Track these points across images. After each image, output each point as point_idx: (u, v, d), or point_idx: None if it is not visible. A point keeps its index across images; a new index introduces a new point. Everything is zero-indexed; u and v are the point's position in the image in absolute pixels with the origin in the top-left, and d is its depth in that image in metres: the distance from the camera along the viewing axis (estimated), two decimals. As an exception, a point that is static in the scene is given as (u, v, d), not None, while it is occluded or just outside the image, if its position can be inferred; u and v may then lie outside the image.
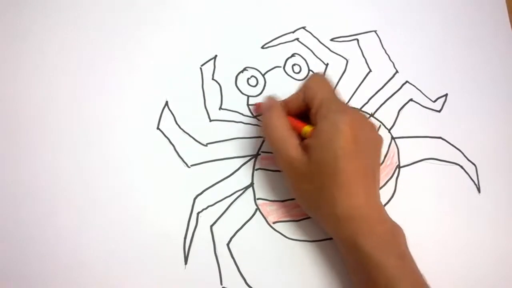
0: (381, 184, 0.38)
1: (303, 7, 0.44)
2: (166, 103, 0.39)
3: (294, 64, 0.41)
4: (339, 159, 0.30)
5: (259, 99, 0.40)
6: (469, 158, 0.40)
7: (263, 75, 0.41)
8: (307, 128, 0.33)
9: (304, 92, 0.34)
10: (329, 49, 0.43)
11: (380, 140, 0.34)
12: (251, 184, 0.37)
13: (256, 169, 0.38)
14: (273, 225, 0.36)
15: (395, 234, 0.31)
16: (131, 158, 0.37)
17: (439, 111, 0.42)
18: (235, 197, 0.37)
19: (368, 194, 0.31)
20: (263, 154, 0.38)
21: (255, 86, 0.40)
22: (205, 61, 0.41)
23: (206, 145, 0.38)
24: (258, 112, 0.39)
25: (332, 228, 0.32)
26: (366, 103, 0.41)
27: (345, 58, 0.42)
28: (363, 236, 0.30)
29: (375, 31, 0.44)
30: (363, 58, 0.43)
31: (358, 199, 0.31)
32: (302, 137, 0.33)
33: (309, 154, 0.31)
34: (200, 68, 0.40)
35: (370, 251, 0.30)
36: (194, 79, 0.40)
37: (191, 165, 0.37)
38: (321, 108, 0.32)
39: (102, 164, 0.37)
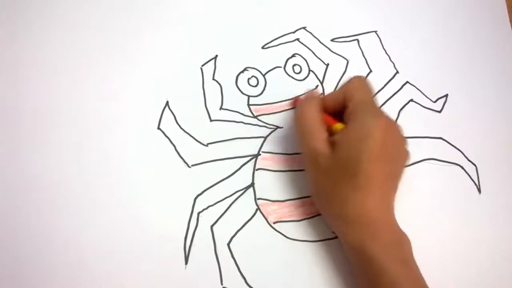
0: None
1: (304, 7, 0.44)
2: (167, 103, 0.39)
3: (294, 64, 0.41)
4: (363, 160, 0.30)
5: (259, 100, 0.40)
6: (470, 159, 0.40)
7: (263, 75, 0.41)
8: (338, 126, 0.33)
9: (344, 91, 0.34)
10: (329, 49, 0.43)
11: (407, 155, 0.34)
12: (252, 184, 0.37)
13: (257, 169, 0.38)
14: (273, 225, 0.36)
15: (402, 242, 0.32)
16: (132, 158, 0.37)
17: (439, 112, 0.42)
18: (236, 197, 0.37)
19: (382, 200, 0.31)
20: (264, 154, 0.38)
21: (255, 86, 0.40)
22: (206, 61, 0.41)
23: (206, 145, 0.38)
24: (295, 105, 0.39)
25: (340, 228, 0.33)
26: (367, 103, 0.41)
27: (345, 59, 0.42)
28: (370, 239, 0.30)
29: (375, 32, 0.44)
30: (364, 59, 0.43)
31: (371, 203, 0.31)
32: (331, 134, 0.33)
33: (334, 150, 0.31)
34: (201, 68, 0.40)
35: (375, 255, 0.30)
36: (194, 79, 0.40)
37: (192, 165, 0.37)
38: (356, 109, 0.32)
39: (102, 164, 0.37)
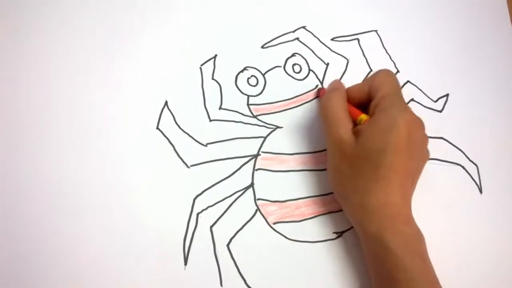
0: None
1: (303, 7, 0.44)
2: (166, 103, 0.39)
3: (294, 64, 0.41)
4: (387, 152, 0.30)
5: (259, 99, 0.40)
6: (471, 159, 0.40)
7: (263, 75, 0.41)
8: (363, 116, 0.34)
9: (370, 84, 0.35)
10: (329, 48, 0.42)
11: (427, 155, 0.35)
12: (251, 185, 0.37)
13: (257, 169, 0.38)
14: (273, 226, 0.36)
15: (420, 237, 0.32)
16: (131, 158, 0.37)
17: (440, 111, 0.42)
18: (235, 198, 0.37)
19: (403, 195, 0.31)
20: (264, 154, 0.38)
21: (255, 85, 0.40)
22: (205, 60, 0.41)
23: (206, 145, 0.38)
24: (318, 95, 0.40)
25: (359, 218, 0.32)
26: (367, 103, 0.41)
27: (345, 58, 0.42)
28: (391, 233, 0.30)
29: (375, 31, 0.44)
30: (364, 58, 0.42)
31: (393, 196, 0.31)
32: (355, 125, 0.34)
33: (359, 140, 0.32)
34: (200, 68, 0.40)
35: (396, 249, 0.30)
36: (194, 79, 0.40)
37: (191, 165, 0.37)
38: (382, 101, 0.33)
39: (101, 164, 0.37)
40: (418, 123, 0.33)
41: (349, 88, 0.36)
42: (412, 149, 0.31)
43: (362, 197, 0.31)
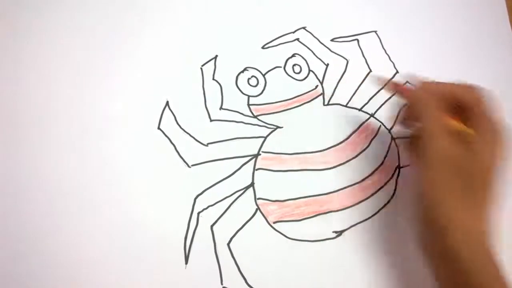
0: (381, 184, 0.38)
1: (303, 7, 0.44)
2: (167, 103, 0.39)
3: (294, 64, 0.41)
4: (494, 169, 0.30)
5: (259, 99, 0.40)
6: (469, 158, 0.40)
7: (263, 75, 0.41)
8: (458, 124, 0.32)
9: (467, 91, 0.33)
10: (329, 49, 0.43)
11: None
12: (252, 184, 0.37)
13: (257, 169, 0.38)
14: (273, 225, 0.36)
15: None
16: (132, 158, 0.37)
17: (439, 112, 0.42)
18: (236, 197, 0.37)
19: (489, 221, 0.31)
20: (264, 154, 0.38)
21: (255, 86, 0.40)
22: (206, 61, 0.41)
23: (206, 145, 0.38)
24: (396, 90, 0.37)
25: (451, 235, 0.29)
26: (367, 103, 0.41)
27: (345, 58, 0.42)
28: (487, 259, 0.29)
29: (375, 32, 0.44)
30: (364, 58, 0.43)
31: (487, 220, 0.30)
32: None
33: (469, 148, 0.30)
34: (201, 68, 0.40)
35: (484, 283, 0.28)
36: (194, 79, 0.40)
37: (192, 165, 0.37)
38: (485, 111, 0.32)
39: (102, 164, 0.37)
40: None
41: (446, 88, 0.33)
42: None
43: (465, 210, 0.29)
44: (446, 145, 0.30)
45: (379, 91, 0.41)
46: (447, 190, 0.30)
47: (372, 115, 0.41)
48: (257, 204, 0.37)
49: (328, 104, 0.41)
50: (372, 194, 0.38)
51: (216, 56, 0.41)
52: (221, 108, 0.39)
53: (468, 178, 0.30)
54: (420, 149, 0.31)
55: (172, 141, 0.38)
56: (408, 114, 0.35)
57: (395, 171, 0.39)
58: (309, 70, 0.42)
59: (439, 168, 0.30)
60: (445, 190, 0.30)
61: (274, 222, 0.37)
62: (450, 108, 0.32)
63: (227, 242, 0.36)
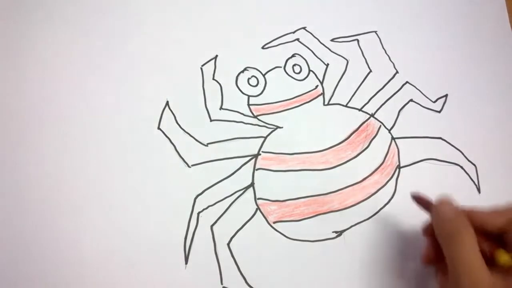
0: (381, 184, 0.38)
1: (303, 7, 0.44)
2: (167, 103, 0.39)
3: (294, 64, 0.41)
4: None
5: (259, 99, 0.40)
6: (469, 159, 0.40)
7: (263, 75, 0.41)
8: (504, 256, 0.28)
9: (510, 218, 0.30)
10: (329, 49, 0.43)
11: None
12: (252, 184, 0.37)
13: (257, 169, 0.38)
14: (273, 225, 0.36)
15: None
16: (132, 158, 0.37)
17: (439, 112, 0.42)
18: (236, 197, 0.37)
19: None
20: (264, 154, 0.38)
21: (255, 86, 0.40)
22: (206, 61, 0.41)
23: (206, 145, 0.38)
24: (422, 205, 0.33)
25: None
26: (367, 103, 0.41)
27: (345, 59, 0.42)
28: None
29: (375, 32, 0.44)
30: (364, 59, 0.43)
31: None
32: (485, 258, 0.28)
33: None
34: (201, 68, 0.40)
35: None
36: (194, 79, 0.40)
37: (192, 165, 0.37)
38: None
39: (102, 164, 0.37)
40: None
41: (476, 215, 0.30)
42: None
43: None
44: (486, 280, 0.27)
45: (377, 92, 0.41)
46: None
47: (372, 115, 0.41)
48: (257, 204, 0.37)
49: (328, 104, 0.41)
50: (372, 194, 0.38)
51: (216, 56, 0.41)
52: (221, 108, 0.39)
53: None
54: (451, 279, 0.28)
55: (172, 141, 0.38)
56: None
57: (395, 171, 0.39)
58: (309, 70, 0.42)
59: None
60: None
61: (274, 222, 0.37)
62: (484, 230, 0.30)
63: (227, 242, 0.36)
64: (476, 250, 0.27)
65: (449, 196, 0.31)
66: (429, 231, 0.32)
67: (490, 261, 0.28)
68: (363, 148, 0.39)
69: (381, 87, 0.42)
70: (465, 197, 0.39)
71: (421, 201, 0.33)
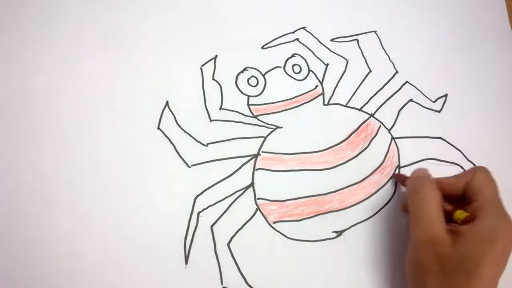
0: (381, 184, 0.38)
1: (303, 7, 0.44)
2: (167, 103, 0.39)
3: (294, 64, 0.42)
4: (485, 265, 0.29)
5: (259, 99, 0.40)
6: (469, 159, 0.40)
7: (263, 75, 0.41)
8: (460, 214, 0.32)
9: (468, 183, 0.34)
10: (329, 49, 0.43)
11: None
12: (252, 184, 0.37)
13: (257, 169, 0.38)
14: (273, 225, 0.37)
15: None
16: (132, 158, 0.37)
17: (439, 111, 0.42)
18: (236, 197, 0.37)
19: None
20: (264, 154, 0.38)
21: (255, 86, 0.40)
22: (206, 61, 0.41)
23: (206, 145, 0.38)
24: (400, 181, 0.38)
25: None
26: (366, 103, 0.41)
27: (345, 59, 0.42)
28: None
29: (375, 32, 0.44)
30: (363, 59, 0.43)
31: None
32: (448, 219, 0.32)
33: (457, 242, 0.30)
34: (201, 68, 0.40)
35: None
36: (194, 79, 0.40)
37: (192, 165, 0.37)
38: (485, 206, 0.32)
39: (102, 164, 0.37)
40: None
41: (440, 181, 0.34)
42: (506, 259, 0.30)
43: None
44: (434, 232, 0.31)
45: (377, 92, 0.41)
46: (422, 271, 0.31)
47: (372, 115, 0.41)
48: (257, 204, 0.37)
49: (328, 104, 0.41)
50: (372, 194, 0.38)
51: (216, 56, 0.41)
52: (221, 108, 0.39)
53: (449, 265, 0.30)
54: (411, 227, 0.32)
55: (172, 141, 0.38)
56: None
57: (395, 171, 0.39)
58: (309, 70, 0.42)
59: (419, 251, 0.31)
60: (419, 271, 0.31)
61: (274, 222, 0.37)
62: (447, 195, 0.34)
63: (227, 242, 0.36)
64: (435, 204, 0.32)
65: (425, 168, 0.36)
66: (405, 206, 0.36)
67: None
68: (363, 148, 0.39)
69: (381, 87, 0.42)
70: (465, 197, 0.39)
71: (400, 177, 0.38)
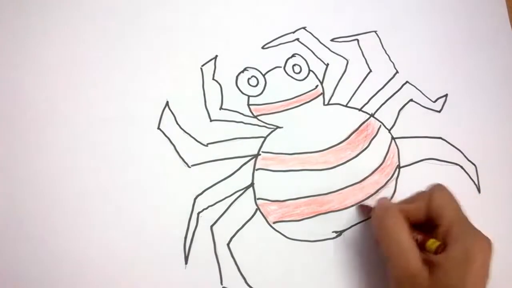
0: (381, 184, 0.38)
1: (303, 7, 0.44)
2: (167, 103, 0.39)
3: (294, 64, 0.41)
4: (468, 287, 0.29)
5: (259, 99, 0.40)
6: (469, 158, 0.40)
7: (263, 75, 0.41)
8: (432, 242, 0.31)
9: (428, 205, 0.33)
10: (329, 49, 0.43)
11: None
12: (252, 184, 0.37)
13: (257, 169, 0.38)
14: (273, 225, 0.37)
15: None
16: (132, 158, 0.37)
17: (439, 111, 0.42)
18: (236, 197, 0.37)
19: None
20: (264, 154, 0.38)
21: (255, 86, 0.40)
22: (206, 61, 0.41)
23: (206, 145, 0.38)
24: (365, 212, 0.37)
25: None
26: (367, 103, 0.41)
27: (345, 58, 0.42)
28: None
29: (375, 31, 0.44)
30: (364, 58, 0.43)
31: None
32: (421, 249, 0.31)
33: (435, 273, 0.29)
34: (201, 68, 0.40)
35: None
36: (194, 79, 0.40)
37: (192, 165, 0.37)
38: (452, 228, 0.31)
39: (102, 164, 0.37)
40: (491, 248, 0.31)
41: (404, 210, 0.33)
42: (488, 273, 0.30)
43: None
44: (409, 267, 0.30)
45: (377, 92, 0.41)
46: None
47: (372, 115, 0.41)
48: (257, 204, 0.37)
49: (328, 104, 0.41)
50: (372, 194, 0.38)
51: (216, 56, 0.41)
52: (221, 108, 0.39)
53: None
54: (386, 262, 0.31)
55: (172, 141, 0.38)
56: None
57: (395, 171, 0.39)
58: (309, 70, 0.42)
59: (403, 286, 0.30)
60: None
61: (274, 222, 0.37)
62: (414, 221, 0.32)
63: (227, 242, 0.36)
64: (404, 234, 0.30)
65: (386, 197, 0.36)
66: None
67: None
68: (363, 148, 0.39)
69: (381, 87, 0.42)
70: (465, 197, 0.39)
71: (365, 209, 0.37)
